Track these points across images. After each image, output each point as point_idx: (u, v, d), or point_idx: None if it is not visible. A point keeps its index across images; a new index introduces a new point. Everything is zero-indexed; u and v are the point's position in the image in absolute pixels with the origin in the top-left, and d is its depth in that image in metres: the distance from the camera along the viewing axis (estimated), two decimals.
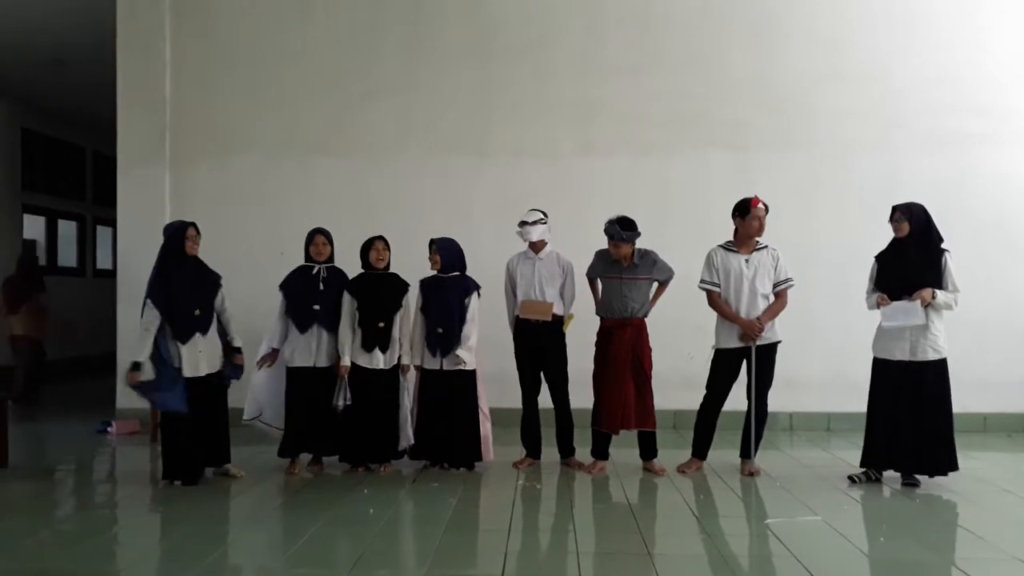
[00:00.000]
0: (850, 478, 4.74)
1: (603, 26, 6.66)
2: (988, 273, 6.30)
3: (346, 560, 3.39)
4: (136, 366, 4.51)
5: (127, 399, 6.52)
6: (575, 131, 6.62)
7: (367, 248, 5.00)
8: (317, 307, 4.87)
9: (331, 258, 5.04)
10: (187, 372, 4.57)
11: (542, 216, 5.11)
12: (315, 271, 4.96)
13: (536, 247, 5.12)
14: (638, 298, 4.89)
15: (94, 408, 7.02)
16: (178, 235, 4.70)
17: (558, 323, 5.07)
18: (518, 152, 6.61)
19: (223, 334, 4.80)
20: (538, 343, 5.04)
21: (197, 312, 4.63)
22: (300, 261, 5.04)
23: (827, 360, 6.31)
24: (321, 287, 4.91)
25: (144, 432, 6.18)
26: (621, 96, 6.60)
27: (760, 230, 4.83)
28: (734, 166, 6.43)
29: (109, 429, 6.30)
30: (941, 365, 4.57)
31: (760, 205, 4.81)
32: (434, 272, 5.04)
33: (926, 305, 4.49)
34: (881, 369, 4.69)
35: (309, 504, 4.28)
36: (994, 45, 6.55)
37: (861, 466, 4.75)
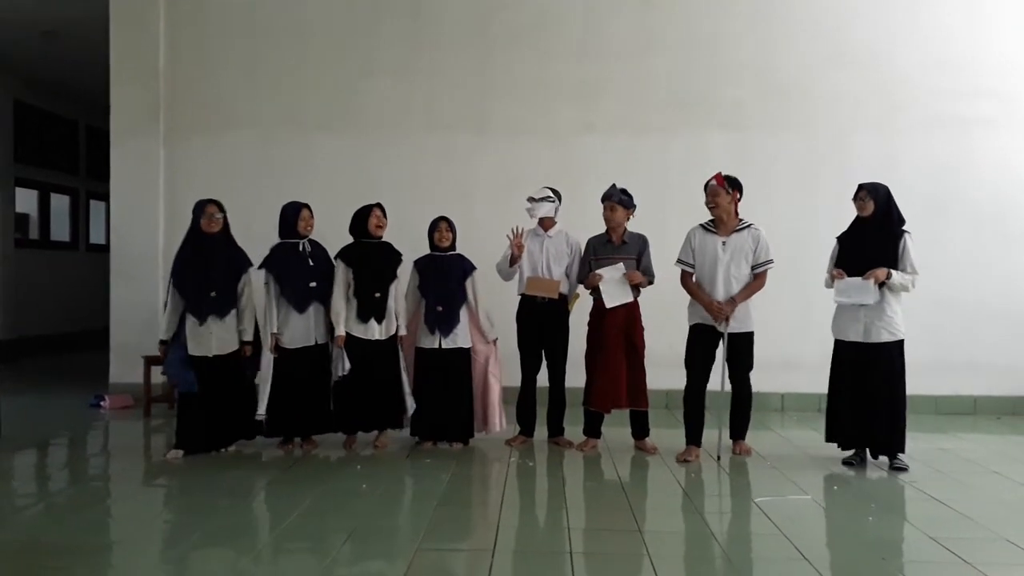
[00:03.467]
0: (845, 462, 4.68)
1: (604, 6, 6.60)
2: (984, 257, 6.32)
3: (339, 534, 3.41)
4: (163, 343, 4.64)
5: (120, 373, 6.55)
6: (575, 111, 6.57)
7: (365, 215, 4.90)
8: (314, 284, 4.80)
9: None
10: (192, 351, 4.57)
11: (550, 193, 5.07)
12: (300, 247, 4.86)
13: (545, 225, 5.09)
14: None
15: (87, 382, 7.01)
16: (196, 212, 4.69)
17: (563, 302, 5.06)
18: (518, 131, 6.56)
19: (237, 323, 4.69)
20: (542, 321, 5.02)
21: (213, 294, 4.58)
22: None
23: (820, 342, 6.21)
24: (311, 263, 4.84)
25: (137, 406, 6.18)
26: (621, 76, 6.55)
27: (714, 209, 4.72)
28: (734, 147, 6.39)
29: (102, 403, 6.30)
30: (898, 346, 4.53)
31: (712, 183, 4.70)
32: (440, 250, 4.98)
33: (880, 284, 4.45)
34: (838, 349, 4.69)
35: (302, 479, 4.29)
36: (995, 30, 6.50)
37: (827, 442, 4.73)
